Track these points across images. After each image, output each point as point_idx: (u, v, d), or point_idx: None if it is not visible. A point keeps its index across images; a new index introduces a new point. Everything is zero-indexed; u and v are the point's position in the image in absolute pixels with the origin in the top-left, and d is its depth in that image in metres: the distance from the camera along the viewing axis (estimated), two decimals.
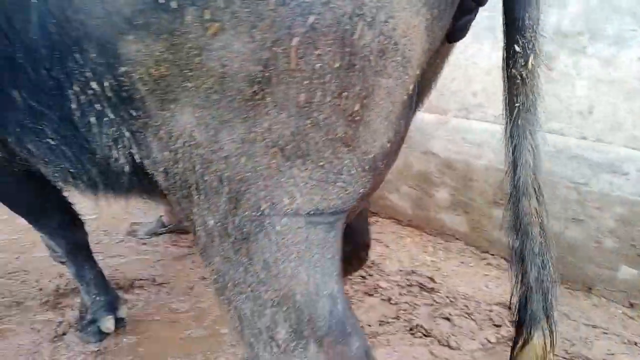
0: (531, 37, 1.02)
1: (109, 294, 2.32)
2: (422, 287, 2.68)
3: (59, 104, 1.13)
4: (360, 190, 0.98)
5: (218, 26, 0.82)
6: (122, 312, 2.32)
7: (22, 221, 2.04)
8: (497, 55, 2.91)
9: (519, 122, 1.09)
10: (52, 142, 1.32)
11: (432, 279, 2.76)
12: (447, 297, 2.62)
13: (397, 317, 2.41)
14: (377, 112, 0.92)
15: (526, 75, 1.05)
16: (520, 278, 1.19)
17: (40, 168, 1.49)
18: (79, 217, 2.22)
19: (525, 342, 1.19)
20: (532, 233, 1.14)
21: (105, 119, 1.01)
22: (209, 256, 1.02)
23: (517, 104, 1.08)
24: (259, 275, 0.97)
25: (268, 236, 0.95)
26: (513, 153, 1.12)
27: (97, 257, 2.83)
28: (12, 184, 1.85)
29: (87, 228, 2.28)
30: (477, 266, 2.96)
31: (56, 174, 1.44)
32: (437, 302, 2.56)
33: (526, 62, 1.04)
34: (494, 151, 2.93)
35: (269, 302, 0.99)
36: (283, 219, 0.94)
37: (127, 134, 1.01)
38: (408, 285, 2.67)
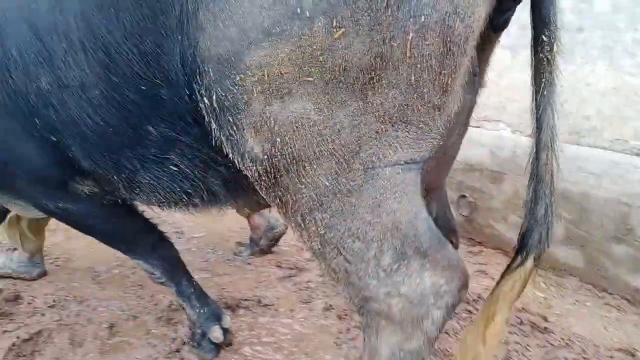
0: (554, 29, 1.28)
1: (210, 304, 2.34)
2: (533, 326, 2.52)
3: (193, 127, 1.36)
4: (440, 142, 1.25)
5: (343, 31, 1.06)
6: (226, 322, 2.34)
7: None
8: (613, 76, 2.72)
9: (545, 93, 1.34)
10: (175, 168, 1.49)
11: (544, 318, 2.59)
12: (562, 339, 2.44)
13: (509, 358, 2.28)
14: (459, 83, 1.19)
15: (551, 58, 1.30)
16: (530, 213, 1.41)
17: (137, 197, 1.66)
18: (165, 235, 2.25)
19: (519, 265, 1.40)
20: (545, 179, 1.37)
21: (212, 128, 1.26)
22: (317, 218, 1.24)
23: (543, 79, 1.33)
24: (366, 217, 1.22)
25: (374, 184, 1.20)
26: (538, 117, 1.36)
27: (205, 275, 2.97)
28: (103, 217, 1.94)
29: (194, 245, 2.35)
30: (595, 306, 2.75)
31: (165, 198, 1.59)
32: (551, 344, 2.40)
33: (551, 48, 1.29)
34: (614, 181, 2.71)
35: (376, 238, 1.23)
36: (386, 168, 1.20)
37: (224, 138, 1.25)
38: (518, 324, 2.52)
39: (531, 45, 1.35)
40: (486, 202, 3.37)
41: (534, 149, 1.39)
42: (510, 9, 1.33)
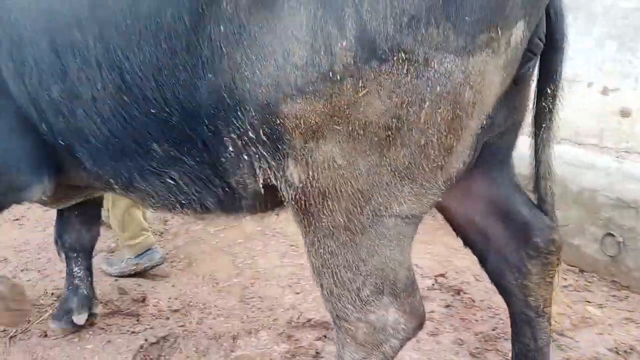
0: (558, 84, 1.48)
1: (91, 290, 2.56)
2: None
3: (201, 151, 1.51)
4: (440, 199, 1.42)
5: (366, 91, 1.20)
6: (96, 308, 2.56)
7: (266, 248, 2.09)
8: None
9: (544, 136, 1.60)
10: (173, 182, 1.65)
11: None
12: None
13: None
14: (462, 144, 1.31)
15: (552, 107, 1.53)
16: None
17: (132, 197, 1.84)
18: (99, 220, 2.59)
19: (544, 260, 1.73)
20: (546, 199, 1.72)
21: (255, 156, 1.42)
22: (327, 244, 1.43)
23: (543, 124, 1.58)
24: (362, 255, 1.42)
25: (377, 230, 1.38)
26: (537, 156, 1.65)
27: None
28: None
29: None
30: None
31: (158, 204, 1.76)
32: None
33: (554, 99, 1.52)
34: None
35: (364, 273, 1.44)
36: (391, 218, 1.37)
37: (265, 165, 1.42)
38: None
39: (535, 93, 1.57)
40: (638, 243, 2.97)
41: (534, 181, 1.70)
42: (532, 60, 1.44)
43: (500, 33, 1.19)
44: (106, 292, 2.86)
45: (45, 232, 3.69)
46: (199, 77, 1.37)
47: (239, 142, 1.42)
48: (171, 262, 3.25)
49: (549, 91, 1.51)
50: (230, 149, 1.44)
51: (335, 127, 1.26)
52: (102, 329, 2.54)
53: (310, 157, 1.32)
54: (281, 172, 1.40)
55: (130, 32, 1.42)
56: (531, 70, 1.49)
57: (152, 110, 1.47)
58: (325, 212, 1.39)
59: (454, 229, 1.90)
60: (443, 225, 3.69)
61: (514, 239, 1.75)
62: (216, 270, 3.16)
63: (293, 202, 1.43)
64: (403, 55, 1.17)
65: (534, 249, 1.73)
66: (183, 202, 1.70)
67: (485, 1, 1.16)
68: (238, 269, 3.17)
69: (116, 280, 3.00)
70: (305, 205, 1.41)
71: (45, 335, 2.48)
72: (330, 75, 1.21)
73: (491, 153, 1.65)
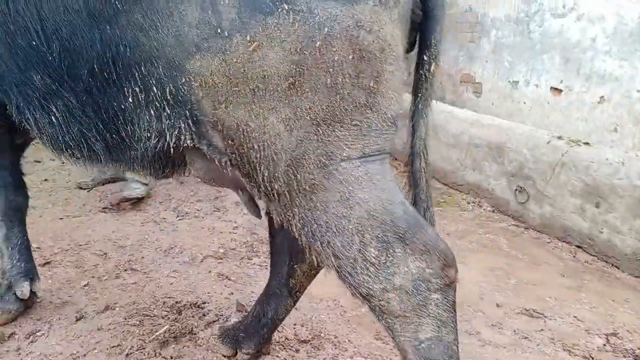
0: (435, 51, 1.49)
1: (29, 262, 2.35)
2: None
3: (113, 99, 1.45)
4: (390, 138, 1.40)
5: (257, 44, 1.25)
6: (37, 286, 2.36)
7: None
8: None
9: (419, 106, 1.53)
10: (55, 119, 1.59)
11: None
12: None
13: None
14: (387, 86, 1.35)
15: (429, 76, 1.50)
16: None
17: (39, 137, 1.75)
18: (24, 184, 2.36)
19: None
20: (420, 184, 1.55)
21: (163, 114, 1.40)
22: (288, 215, 1.38)
23: (419, 94, 1.52)
24: (338, 211, 1.32)
25: (335, 180, 1.32)
26: (413, 127, 1.55)
27: None
28: None
29: None
30: None
31: (50, 143, 1.70)
32: None
33: (429, 67, 1.50)
34: None
35: (354, 230, 1.32)
36: (341, 164, 1.33)
37: (184, 125, 1.39)
38: None
39: (415, 63, 1.52)
40: None
41: (410, 157, 1.55)
42: (417, 30, 1.49)
43: None
44: (223, 306, 2.50)
45: (144, 228, 3.40)
46: (88, 24, 1.40)
47: (141, 96, 1.40)
48: None
49: (425, 58, 1.49)
50: (130, 100, 1.42)
51: (235, 89, 1.28)
52: None
53: (224, 125, 1.33)
54: (202, 138, 1.40)
55: None
56: (416, 40, 1.53)
57: (33, 43, 1.49)
58: (271, 180, 1.35)
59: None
60: (588, 266, 3.27)
61: None
62: (339, 294, 2.75)
63: (233, 170, 1.43)
64: (286, 6, 1.24)
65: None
66: (70, 143, 1.64)
67: None
68: None
69: (232, 293, 2.64)
70: (247, 175, 1.39)
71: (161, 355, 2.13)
72: (219, 31, 1.26)
73: None
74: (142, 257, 2.97)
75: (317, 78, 1.27)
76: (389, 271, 1.30)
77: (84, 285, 2.63)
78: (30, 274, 2.34)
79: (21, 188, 2.34)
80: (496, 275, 3.08)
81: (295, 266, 1.99)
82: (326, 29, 1.25)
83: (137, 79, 1.39)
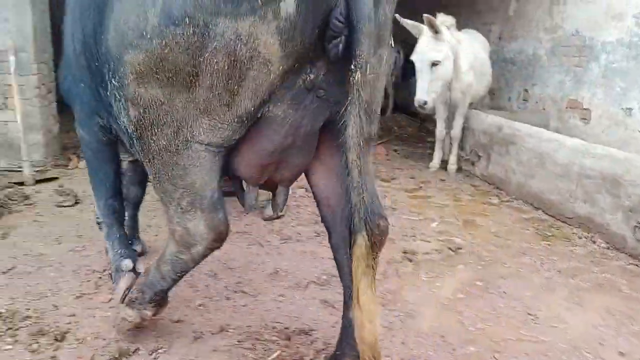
0: (361, 61, 1.65)
1: (128, 248, 2.87)
2: None
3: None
4: (234, 136, 1.83)
5: (169, 48, 1.67)
6: (140, 267, 2.81)
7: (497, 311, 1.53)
8: None
9: (349, 108, 1.71)
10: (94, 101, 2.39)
11: None
12: None
13: None
14: (246, 89, 1.71)
15: (354, 83, 1.68)
16: (348, 202, 1.81)
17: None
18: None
19: (353, 244, 1.79)
20: (352, 175, 1.76)
21: (112, 95, 1.94)
22: (154, 163, 1.94)
23: (349, 98, 1.70)
24: (179, 172, 1.89)
25: (187, 153, 1.84)
26: (345, 127, 1.73)
27: None
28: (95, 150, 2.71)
29: None
30: None
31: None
32: None
33: (355, 75, 1.67)
34: None
35: (181, 186, 1.91)
36: (195, 144, 1.83)
37: (120, 104, 1.92)
38: None
39: (349, 69, 1.69)
40: None
41: (343, 152, 1.77)
42: (339, 36, 1.69)
43: (261, 4, 1.57)
44: (329, 335, 2.52)
45: (250, 250, 3.52)
46: (96, 29, 1.94)
47: (109, 85, 1.91)
48: (391, 309, 2.84)
49: (352, 67, 1.67)
50: (109, 87, 1.92)
51: (156, 76, 1.72)
52: None
53: (142, 99, 1.79)
54: (123, 113, 1.90)
55: None
56: (341, 49, 1.70)
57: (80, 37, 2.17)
58: (154, 138, 1.85)
59: (316, 204, 2.24)
60: None
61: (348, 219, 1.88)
62: (445, 330, 2.68)
63: (132, 133, 1.92)
64: (187, 19, 1.59)
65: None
66: (102, 125, 2.47)
67: None
68: (470, 334, 2.66)
69: (337, 322, 2.65)
70: (140, 134, 1.88)
71: None
72: (144, 34, 1.67)
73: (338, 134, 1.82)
74: (250, 280, 3.08)
75: (204, 79, 1.69)
76: (187, 217, 1.95)
77: (199, 305, 2.76)
78: (133, 258, 2.80)
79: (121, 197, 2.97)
80: (616, 319, 2.86)
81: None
82: (215, 42, 1.62)
83: (107, 70, 1.93)
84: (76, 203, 4.29)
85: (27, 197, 4.32)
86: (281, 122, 1.83)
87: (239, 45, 1.61)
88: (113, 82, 1.86)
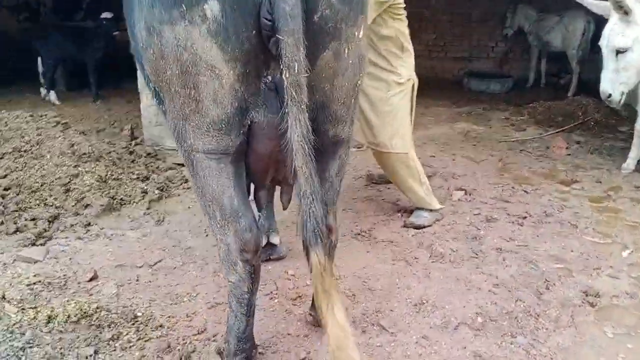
0: (286, 60, 1.60)
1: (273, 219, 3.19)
2: None
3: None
4: (222, 143, 1.81)
5: (154, 54, 1.78)
6: (275, 239, 3.14)
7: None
8: None
9: (286, 110, 1.66)
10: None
11: None
12: None
13: None
14: (205, 95, 1.73)
15: (287, 82, 1.63)
16: (299, 213, 1.77)
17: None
18: None
19: (307, 259, 1.78)
20: (300, 182, 1.72)
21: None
22: (190, 173, 1.99)
23: (286, 97, 1.66)
24: (200, 184, 1.92)
25: (195, 164, 1.89)
26: (287, 127, 1.68)
27: None
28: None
29: None
30: None
31: None
32: None
33: (284, 75, 1.62)
34: None
35: (207, 201, 1.94)
36: (197, 154, 1.86)
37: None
38: None
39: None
40: None
41: (289, 156, 1.71)
42: (273, 39, 1.65)
43: (186, 9, 1.62)
44: None
45: (395, 267, 3.15)
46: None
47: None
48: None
49: (281, 68, 1.63)
50: None
51: (158, 79, 1.82)
52: None
53: (159, 104, 2.03)
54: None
55: None
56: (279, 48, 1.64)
57: None
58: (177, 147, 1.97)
59: None
60: None
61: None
62: None
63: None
64: (151, 28, 1.71)
65: None
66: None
67: None
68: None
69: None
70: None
71: None
72: (141, 43, 1.82)
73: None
74: (391, 310, 2.71)
75: (171, 87, 1.76)
76: (225, 231, 1.94)
77: None
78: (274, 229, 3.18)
79: None
80: None
81: None
82: (166, 50, 1.69)
83: None
84: None
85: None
86: (267, 126, 1.82)
87: (181, 51, 1.67)
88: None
